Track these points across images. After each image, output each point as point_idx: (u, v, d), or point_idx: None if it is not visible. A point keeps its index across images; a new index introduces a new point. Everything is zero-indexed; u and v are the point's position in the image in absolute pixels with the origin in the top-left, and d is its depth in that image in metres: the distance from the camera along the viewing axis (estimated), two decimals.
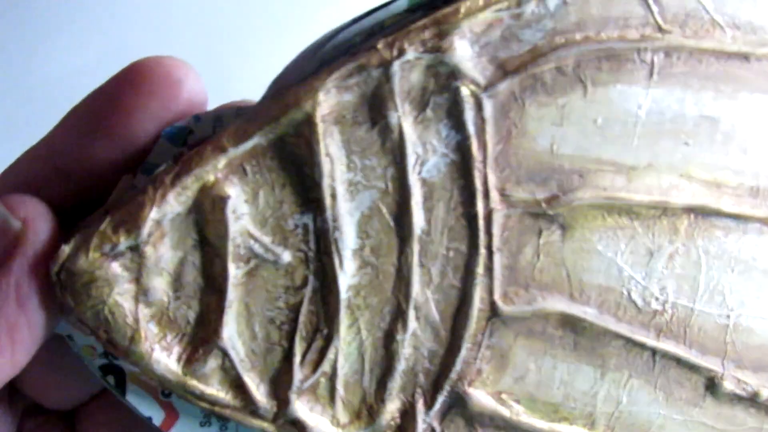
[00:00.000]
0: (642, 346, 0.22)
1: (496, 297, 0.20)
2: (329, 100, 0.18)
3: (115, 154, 0.19)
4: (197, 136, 0.19)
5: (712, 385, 0.22)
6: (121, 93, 0.18)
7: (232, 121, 0.19)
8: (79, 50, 0.41)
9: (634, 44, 0.19)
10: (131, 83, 0.18)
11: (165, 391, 0.20)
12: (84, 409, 0.22)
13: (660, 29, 0.19)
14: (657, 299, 0.21)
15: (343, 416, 0.20)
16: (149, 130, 0.18)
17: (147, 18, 0.43)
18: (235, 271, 0.19)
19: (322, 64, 0.19)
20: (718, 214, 0.21)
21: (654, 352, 0.22)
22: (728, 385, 0.22)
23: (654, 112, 0.20)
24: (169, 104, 0.18)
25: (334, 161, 0.19)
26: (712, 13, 0.20)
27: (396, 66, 0.18)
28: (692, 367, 0.22)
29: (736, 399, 0.23)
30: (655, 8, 0.19)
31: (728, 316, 0.22)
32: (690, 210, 0.21)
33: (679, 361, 0.22)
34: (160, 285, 0.19)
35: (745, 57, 0.20)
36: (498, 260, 0.20)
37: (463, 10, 0.18)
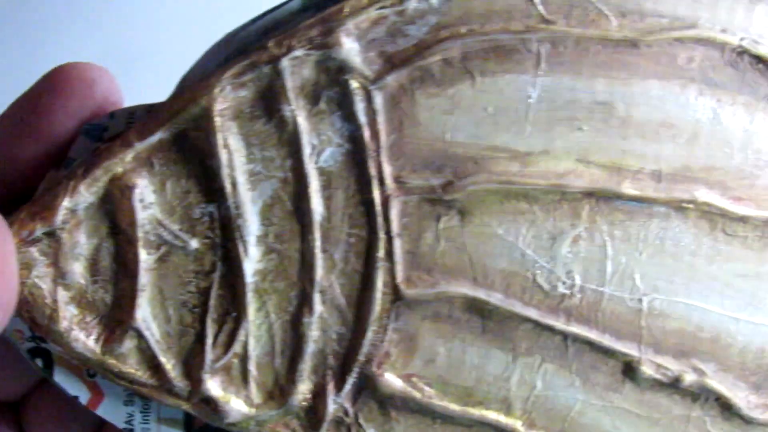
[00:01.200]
0: (552, 330, 0.23)
1: (399, 281, 0.22)
2: (226, 96, 0.20)
3: (41, 153, 0.21)
4: (112, 132, 0.21)
5: (630, 370, 0.23)
6: (42, 96, 0.21)
7: (142, 118, 0.21)
8: (79, 50, 0.43)
9: (518, 35, 0.21)
10: (50, 87, 0.20)
11: (90, 371, 0.22)
12: (28, 399, 0.24)
13: (544, 20, 0.21)
14: (564, 283, 0.22)
15: (256, 396, 0.22)
16: (69, 129, 0.21)
17: (147, 18, 0.46)
18: (146, 257, 0.21)
19: (222, 62, 0.21)
20: (620, 197, 0.22)
21: (565, 336, 0.23)
22: (647, 370, 0.23)
23: (545, 99, 0.21)
24: (85, 103, 0.20)
25: (233, 153, 0.21)
26: (596, 2, 0.21)
27: (284, 62, 0.20)
28: (607, 352, 0.23)
29: (657, 385, 0.24)
30: (537, 0, 0.21)
31: (640, 300, 0.23)
32: (590, 194, 0.22)
33: (593, 346, 0.23)
34: (77, 269, 0.21)
35: (633, 44, 0.21)
36: (398, 245, 0.21)
37: (347, 8, 0.20)
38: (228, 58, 0.21)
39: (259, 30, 0.21)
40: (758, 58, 0.23)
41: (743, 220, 0.23)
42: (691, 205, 0.23)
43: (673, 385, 0.24)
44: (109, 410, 0.22)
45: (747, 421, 0.25)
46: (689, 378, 0.24)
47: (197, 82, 0.21)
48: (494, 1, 0.21)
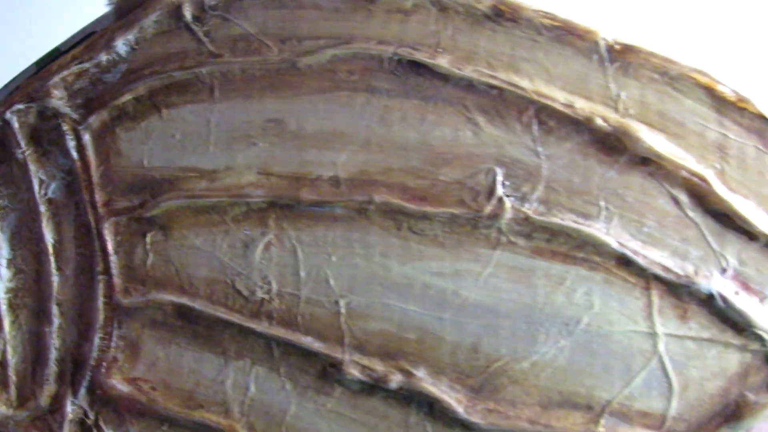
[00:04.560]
0: (256, 334, 0.25)
1: (117, 292, 0.26)
2: None
3: None
4: None
5: (335, 372, 0.25)
6: None
7: None
8: None
9: (191, 70, 0.25)
10: None
11: None
12: None
13: (213, 54, 0.25)
14: (261, 288, 0.25)
15: (15, 399, 0.26)
16: None
17: None
18: None
19: None
20: (300, 203, 0.25)
21: (269, 339, 0.25)
22: (351, 371, 0.25)
23: (223, 122, 0.25)
24: None
25: None
26: (257, 34, 0.25)
27: (8, 115, 0.26)
28: (311, 354, 0.25)
29: (369, 388, 0.25)
30: (205, 40, 0.25)
31: (337, 302, 0.25)
32: (273, 203, 0.25)
33: (297, 348, 0.25)
34: None
35: (293, 65, 0.25)
36: (114, 260, 0.26)
37: (55, 67, 0.26)
38: None
39: (6, 92, 0.27)
40: (417, 64, 0.25)
41: (427, 217, 0.25)
42: (371, 207, 0.25)
43: (384, 388, 0.25)
44: None
45: (468, 425, 0.25)
46: (396, 379, 0.25)
47: None
48: (171, 45, 0.26)
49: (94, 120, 0.28)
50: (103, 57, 0.27)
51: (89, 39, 0.28)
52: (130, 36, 0.27)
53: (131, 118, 0.27)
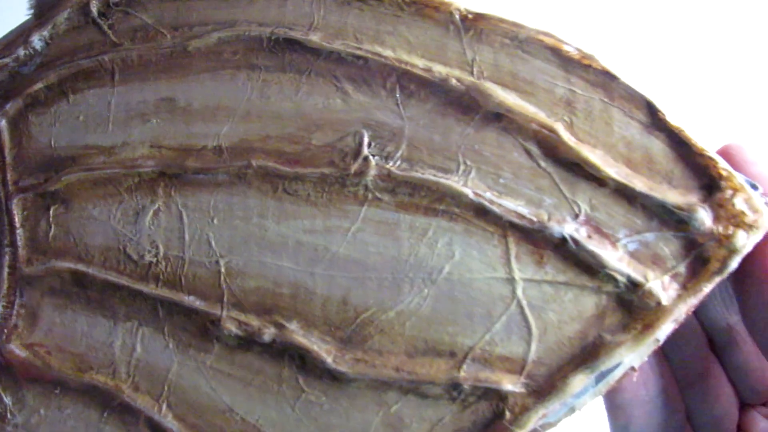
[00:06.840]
0: (143, 296, 0.27)
1: (20, 262, 0.28)
2: None
3: None
4: None
5: (215, 328, 0.26)
6: None
7: None
8: None
9: (95, 58, 0.28)
10: None
11: None
12: None
13: (114, 44, 0.28)
14: (149, 252, 0.27)
15: None
16: None
17: None
18: None
19: None
20: (186, 171, 0.27)
21: (155, 300, 0.26)
22: (228, 326, 0.26)
23: (122, 103, 0.28)
24: None
25: None
26: (154, 24, 0.28)
27: None
28: (193, 312, 0.26)
29: (246, 344, 0.26)
30: (109, 32, 0.28)
31: (218, 262, 0.26)
32: (162, 173, 0.27)
33: (180, 307, 0.26)
34: None
35: (183, 49, 0.27)
36: (20, 233, 0.28)
37: None
38: None
39: None
40: (293, 41, 0.27)
41: (300, 178, 0.27)
42: (249, 171, 0.27)
43: (259, 343, 0.26)
44: None
45: (337, 375, 0.25)
46: (269, 332, 0.26)
47: None
48: (80, 38, 0.29)
49: (10, 107, 0.30)
50: (21, 52, 0.30)
51: (10, 38, 0.31)
52: (45, 32, 0.30)
53: (42, 104, 0.30)
